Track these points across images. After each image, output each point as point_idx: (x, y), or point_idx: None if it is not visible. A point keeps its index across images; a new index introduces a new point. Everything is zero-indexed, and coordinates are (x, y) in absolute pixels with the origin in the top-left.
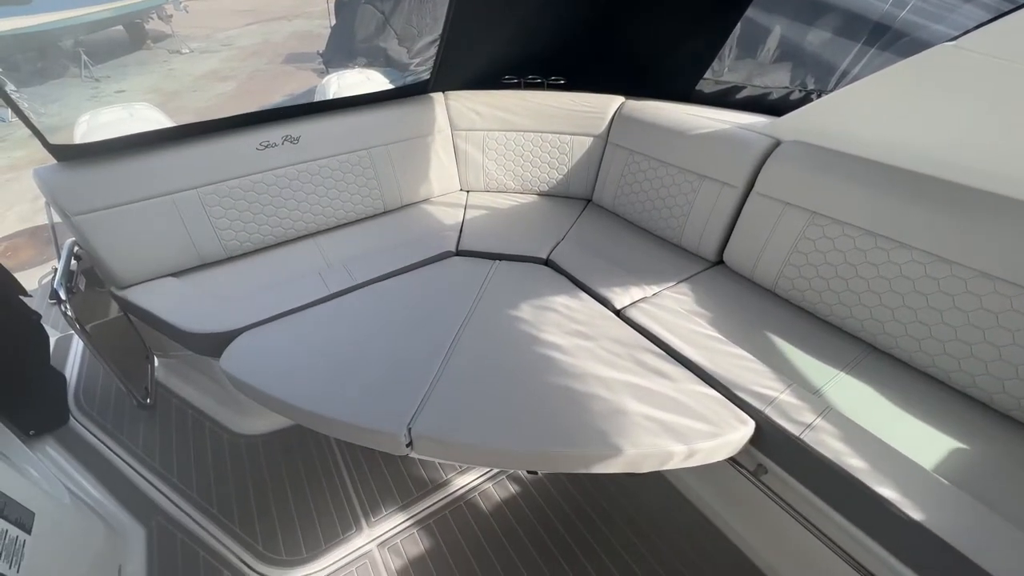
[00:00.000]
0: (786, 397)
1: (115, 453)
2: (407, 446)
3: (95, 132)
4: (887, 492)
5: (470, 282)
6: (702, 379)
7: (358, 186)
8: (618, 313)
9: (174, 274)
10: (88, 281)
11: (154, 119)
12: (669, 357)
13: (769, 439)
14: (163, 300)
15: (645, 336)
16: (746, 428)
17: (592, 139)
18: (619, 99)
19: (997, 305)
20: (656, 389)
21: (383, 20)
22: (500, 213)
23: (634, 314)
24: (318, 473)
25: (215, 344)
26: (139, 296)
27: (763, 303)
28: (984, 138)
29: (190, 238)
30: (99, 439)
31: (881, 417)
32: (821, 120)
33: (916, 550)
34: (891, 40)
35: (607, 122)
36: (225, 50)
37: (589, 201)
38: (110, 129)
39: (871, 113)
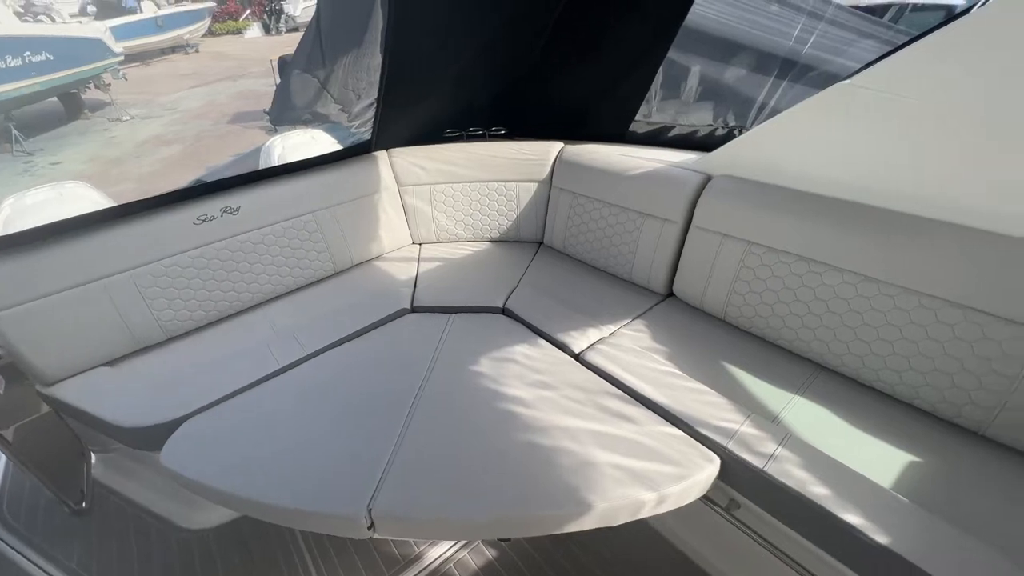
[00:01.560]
0: (747, 428)
1: (47, 574)
2: (368, 528)
3: (20, 217)
4: (852, 518)
5: (426, 340)
6: (665, 418)
7: (305, 251)
8: (577, 357)
9: (108, 363)
10: (9, 379)
11: (87, 197)
12: (631, 399)
13: (735, 474)
14: (94, 394)
15: (605, 379)
16: (712, 466)
17: (537, 184)
18: (559, 144)
19: (924, 318)
20: (621, 435)
21: (320, 86)
22: (454, 264)
23: (593, 357)
24: (280, 567)
25: (155, 437)
26: (67, 392)
27: (716, 332)
28: (888, 165)
29: (124, 323)
30: (28, 558)
31: (838, 438)
32: (745, 155)
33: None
34: (800, 74)
35: (549, 167)
36: (168, 114)
37: (541, 244)
38: (36, 213)
39: (788, 147)
